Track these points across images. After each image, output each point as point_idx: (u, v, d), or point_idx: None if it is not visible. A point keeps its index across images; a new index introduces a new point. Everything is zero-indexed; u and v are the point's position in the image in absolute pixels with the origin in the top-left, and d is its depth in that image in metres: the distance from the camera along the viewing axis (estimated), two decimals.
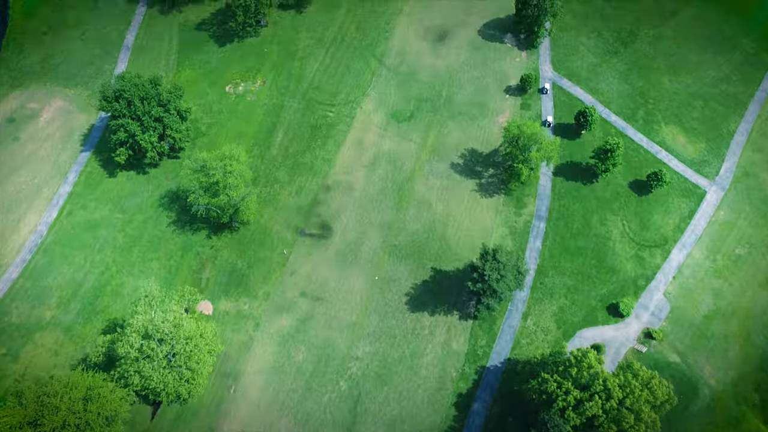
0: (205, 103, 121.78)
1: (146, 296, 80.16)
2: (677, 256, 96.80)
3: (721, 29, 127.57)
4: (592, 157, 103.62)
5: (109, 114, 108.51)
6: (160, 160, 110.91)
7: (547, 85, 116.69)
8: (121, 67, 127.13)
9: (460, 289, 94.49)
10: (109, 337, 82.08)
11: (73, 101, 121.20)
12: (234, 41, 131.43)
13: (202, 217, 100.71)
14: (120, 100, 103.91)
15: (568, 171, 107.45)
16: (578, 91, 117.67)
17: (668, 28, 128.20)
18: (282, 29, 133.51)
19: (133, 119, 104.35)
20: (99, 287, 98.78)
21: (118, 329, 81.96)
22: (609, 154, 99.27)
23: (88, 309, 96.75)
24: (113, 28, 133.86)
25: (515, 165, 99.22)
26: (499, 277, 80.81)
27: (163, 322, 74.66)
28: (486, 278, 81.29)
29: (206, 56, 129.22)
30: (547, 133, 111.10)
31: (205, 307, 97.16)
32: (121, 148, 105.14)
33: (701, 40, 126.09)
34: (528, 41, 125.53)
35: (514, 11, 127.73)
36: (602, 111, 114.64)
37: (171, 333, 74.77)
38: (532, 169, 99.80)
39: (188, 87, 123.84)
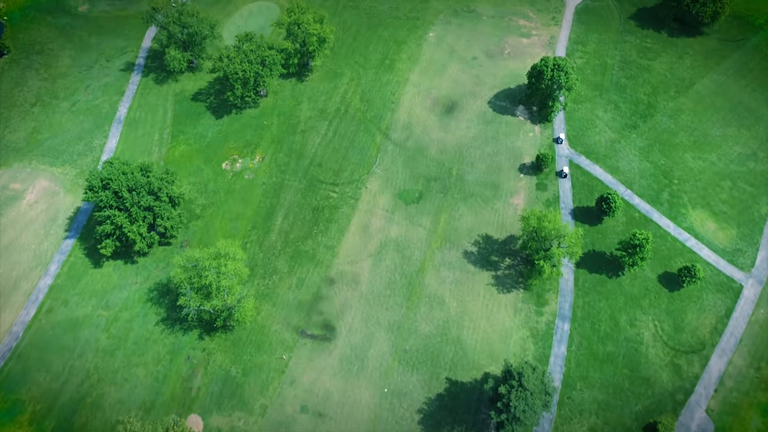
0: (200, 182, 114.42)
1: None
2: (717, 363, 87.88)
3: (743, 101, 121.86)
4: (618, 249, 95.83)
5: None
6: (149, 248, 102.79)
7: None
8: (112, 142, 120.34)
9: (478, 405, 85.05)
10: None
11: (60, 182, 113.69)
12: (232, 113, 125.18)
13: (194, 320, 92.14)
14: (107, 190, 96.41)
15: (592, 262, 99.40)
16: (597, 171, 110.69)
17: (688, 100, 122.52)
18: (282, 99, 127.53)
19: (120, 210, 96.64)
20: (77, 399, 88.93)
21: None
22: (637, 249, 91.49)
23: (64, 426, 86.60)
24: (105, 99, 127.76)
25: (536, 261, 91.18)
26: (525, 407, 71.73)
27: None
28: (511, 409, 72.15)
29: (202, 129, 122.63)
30: (569, 225, 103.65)
31: (195, 422, 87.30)
32: (107, 240, 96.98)
33: (723, 113, 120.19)
34: (541, 114, 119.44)
35: (525, 80, 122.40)
36: (624, 192, 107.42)
37: None
38: (554, 266, 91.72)
39: (183, 163, 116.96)
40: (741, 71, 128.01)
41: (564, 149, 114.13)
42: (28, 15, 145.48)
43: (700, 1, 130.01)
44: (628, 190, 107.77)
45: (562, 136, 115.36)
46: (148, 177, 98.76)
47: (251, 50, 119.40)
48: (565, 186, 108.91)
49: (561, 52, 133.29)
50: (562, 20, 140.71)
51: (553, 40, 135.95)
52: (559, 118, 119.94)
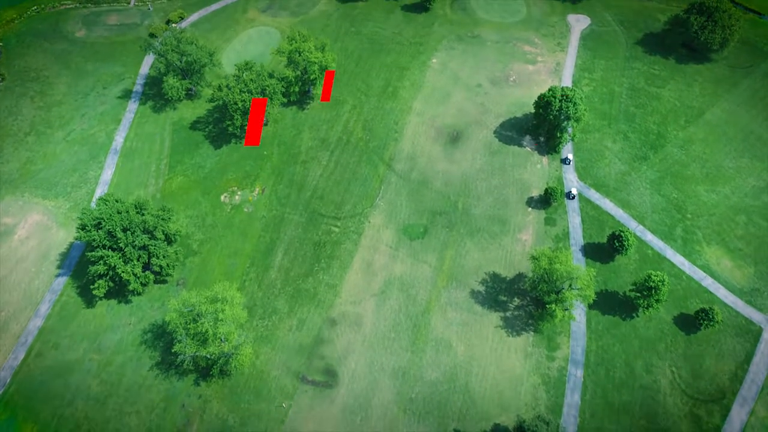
0: (197, 215, 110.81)
1: None
2: (739, 413, 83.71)
3: (755, 131, 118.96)
4: (632, 290, 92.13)
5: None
6: (144, 288, 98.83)
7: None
8: (107, 174, 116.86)
9: None
10: None
11: (53, 215, 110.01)
12: (231, 142, 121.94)
13: (189, 365, 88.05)
14: (100, 229, 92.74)
15: (604, 302, 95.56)
16: (608, 205, 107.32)
17: (698, 129, 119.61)
18: (283, 128, 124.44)
19: (114, 250, 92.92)
20: None
21: None
22: (652, 291, 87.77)
23: None
24: (101, 128, 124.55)
25: (548, 305, 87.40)
26: None
27: None
28: None
29: (200, 160, 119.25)
30: (581, 266, 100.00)
31: None
32: (100, 281, 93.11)
33: (735, 143, 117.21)
34: (549, 145, 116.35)
35: (531, 108, 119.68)
36: (636, 228, 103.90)
37: None
38: (566, 309, 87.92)
39: (180, 196, 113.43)
40: (752, 99, 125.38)
41: (573, 180, 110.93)
42: (24, 41, 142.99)
43: (708, 27, 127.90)
44: (640, 226, 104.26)
45: (570, 156, 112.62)
46: (143, 215, 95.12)
47: (251, 79, 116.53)
48: (575, 221, 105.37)
49: (567, 79, 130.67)
50: (567, 46, 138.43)
51: (559, 67, 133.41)
52: (566, 149, 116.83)
